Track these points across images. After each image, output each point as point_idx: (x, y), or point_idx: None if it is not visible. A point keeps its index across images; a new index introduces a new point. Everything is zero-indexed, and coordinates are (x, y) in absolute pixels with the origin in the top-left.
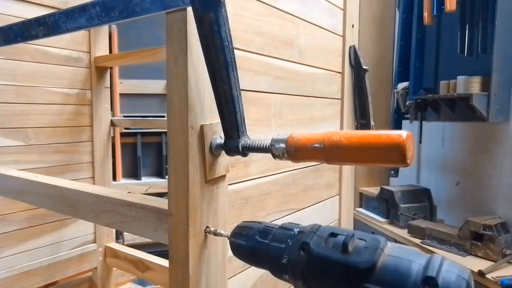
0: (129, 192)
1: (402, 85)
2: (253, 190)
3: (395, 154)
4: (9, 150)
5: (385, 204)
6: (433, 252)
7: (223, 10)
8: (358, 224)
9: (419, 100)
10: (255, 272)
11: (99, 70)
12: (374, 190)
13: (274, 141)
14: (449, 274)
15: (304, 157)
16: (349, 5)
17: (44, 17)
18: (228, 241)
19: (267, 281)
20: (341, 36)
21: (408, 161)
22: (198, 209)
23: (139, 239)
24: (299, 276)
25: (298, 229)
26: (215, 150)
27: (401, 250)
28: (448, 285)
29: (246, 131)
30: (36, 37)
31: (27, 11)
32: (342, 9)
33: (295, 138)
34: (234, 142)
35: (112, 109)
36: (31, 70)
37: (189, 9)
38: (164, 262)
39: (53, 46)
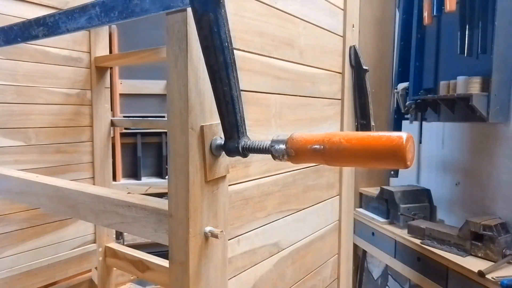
0: (129, 193)
1: (402, 85)
2: (253, 191)
3: (395, 156)
4: (9, 150)
5: (385, 204)
6: (433, 253)
7: (223, 10)
8: (358, 224)
9: (419, 101)
10: (255, 273)
11: (99, 70)
12: (374, 191)
13: (274, 142)
14: None
15: (304, 158)
16: (349, 5)
17: (44, 17)
18: (228, 242)
19: (267, 282)
20: (341, 36)
21: (408, 163)
22: (198, 210)
23: (139, 239)
24: None
25: None
26: (215, 151)
27: None
28: None
29: (246, 132)
30: (36, 37)
31: (27, 11)
32: (342, 9)
33: (295, 139)
34: (234, 143)
35: (112, 109)
36: (31, 70)
37: (189, 10)
38: (164, 262)
39: (53, 46)
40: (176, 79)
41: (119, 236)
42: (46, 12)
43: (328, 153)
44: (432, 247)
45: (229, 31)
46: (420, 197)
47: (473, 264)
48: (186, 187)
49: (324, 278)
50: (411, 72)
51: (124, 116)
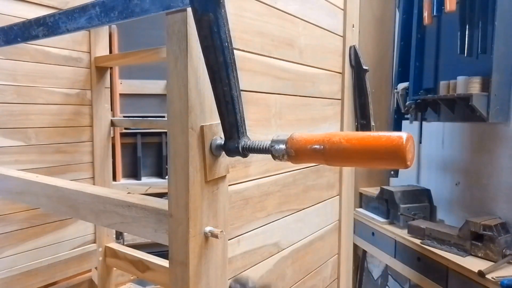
0: (129, 193)
1: (402, 85)
2: (253, 191)
3: (395, 156)
4: (9, 150)
5: (385, 204)
6: (433, 253)
7: (223, 10)
8: (358, 224)
9: (419, 101)
10: (255, 273)
11: (99, 70)
12: (374, 191)
13: (274, 142)
14: None
15: (304, 158)
16: (349, 5)
17: (44, 17)
18: (228, 242)
19: (267, 282)
20: (341, 36)
21: (408, 163)
22: (198, 210)
23: (139, 239)
24: None
25: None
26: (215, 151)
27: None
28: None
29: (246, 132)
30: (36, 37)
31: (27, 11)
32: (342, 9)
33: (295, 139)
34: (234, 143)
35: (112, 109)
36: (31, 70)
37: (189, 10)
38: (164, 262)
39: (53, 46)
40: (176, 79)
41: (119, 236)
42: (46, 12)
43: (328, 153)
44: (432, 247)
45: (229, 31)
46: (420, 197)
47: (473, 264)
48: (186, 187)
49: (324, 278)
50: (411, 72)
51: (124, 116)
